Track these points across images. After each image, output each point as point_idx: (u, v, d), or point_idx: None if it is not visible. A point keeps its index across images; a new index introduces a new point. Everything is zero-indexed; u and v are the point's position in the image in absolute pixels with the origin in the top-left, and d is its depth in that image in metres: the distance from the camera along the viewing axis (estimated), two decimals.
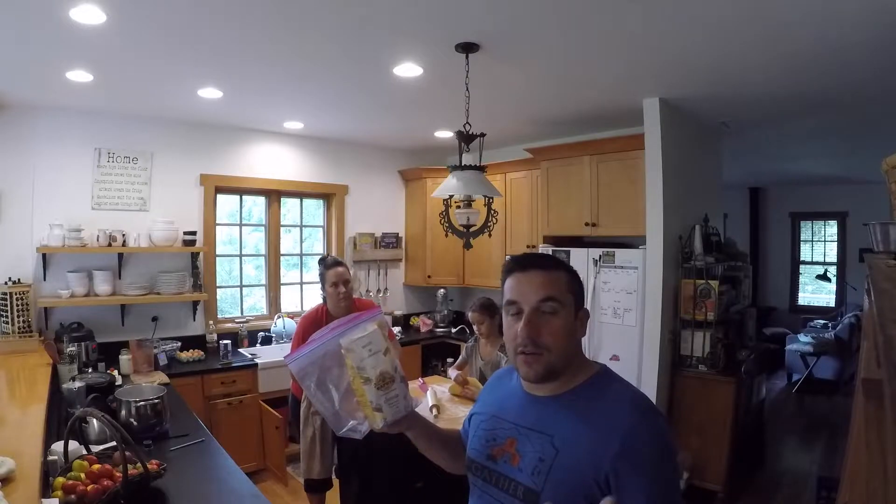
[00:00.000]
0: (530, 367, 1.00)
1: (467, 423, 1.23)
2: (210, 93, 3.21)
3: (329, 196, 4.89)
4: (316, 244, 4.96)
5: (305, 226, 4.88)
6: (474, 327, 3.06)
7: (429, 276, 5.05)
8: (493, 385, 1.23)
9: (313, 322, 2.82)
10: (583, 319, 1.05)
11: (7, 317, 3.14)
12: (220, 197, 4.29)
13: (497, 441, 1.06)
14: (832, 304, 7.60)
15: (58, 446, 1.75)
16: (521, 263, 1.05)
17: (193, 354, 3.77)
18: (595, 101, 3.42)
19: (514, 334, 1.00)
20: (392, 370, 1.05)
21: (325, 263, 2.90)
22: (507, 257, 1.16)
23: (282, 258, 4.68)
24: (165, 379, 3.26)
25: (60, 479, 1.55)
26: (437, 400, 2.88)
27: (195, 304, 4.01)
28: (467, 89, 2.61)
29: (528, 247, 4.28)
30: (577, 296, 1.04)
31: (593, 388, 1.02)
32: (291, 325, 4.41)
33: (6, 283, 3.20)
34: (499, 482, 1.03)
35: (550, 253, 3.83)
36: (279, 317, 4.43)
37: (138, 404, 2.23)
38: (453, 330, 5.03)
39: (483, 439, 1.10)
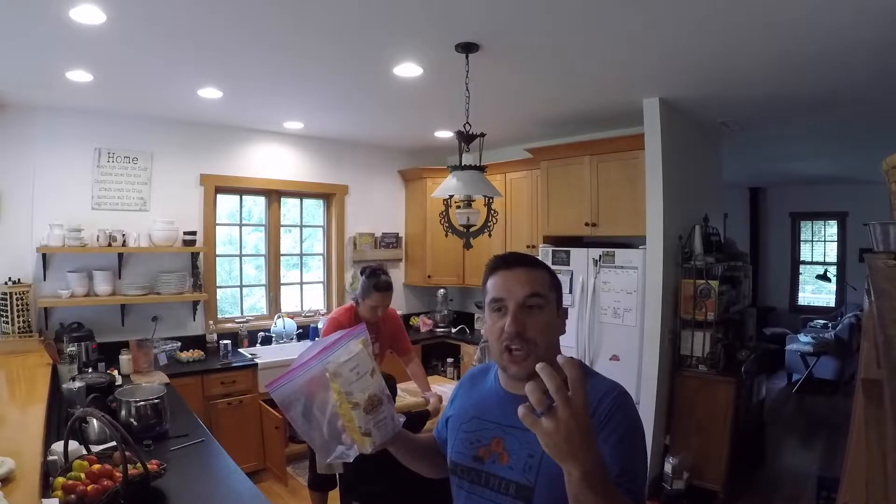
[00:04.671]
0: (519, 366, 1.00)
1: (443, 427, 1.22)
2: (210, 93, 3.21)
3: (329, 196, 4.89)
4: (316, 244, 4.96)
5: (305, 226, 4.88)
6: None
7: (429, 276, 5.05)
8: (468, 385, 1.22)
9: (347, 327, 2.72)
10: (563, 318, 1.08)
11: (7, 317, 3.14)
12: (219, 197, 4.29)
13: (482, 442, 1.06)
14: (832, 304, 7.60)
15: (58, 446, 1.75)
16: (507, 261, 1.07)
17: (193, 354, 3.77)
18: (595, 101, 3.42)
19: (500, 330, 1.01)
20: (380, 392, 1.02)
21: (378, 284, 2.72)
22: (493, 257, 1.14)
23: (282, 258, 4.68)
24: (165, 379, 3.26)
25: (60, 479, 1.55)
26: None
27: (195, 304, 4.01)
28: (467, 89, 2.60)
29: (528, 247, 4.28)
30: (558, 294, 1.07)
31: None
32: (291, 325, 4.41)
33: (6, 283, 3.20)
34: (488, 482, 1.03)
35: (550, 253, 3.84)
36: (279, 317, 4.43)
37: (138, 404, 2.23)
38: (453, 330, 5.03)
39: (466, 441, 1.09)
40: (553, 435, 0.70)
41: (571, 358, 0.73)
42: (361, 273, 2.88)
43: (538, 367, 0.72)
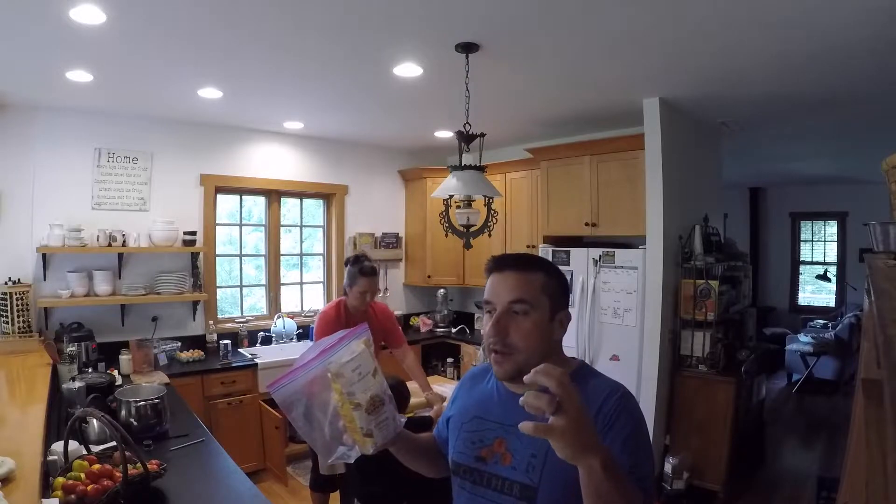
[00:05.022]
0: (500, 367, 1.03)
1: (444, 427, 1.22)
2: (210, 93, 3.21)
3: (329, 196, 4.89)
4: (316, 244, 4.96)
5: (305, 226, 4.88)
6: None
7: (429, 276, 5.06)
8: (468, 385, 1.22)
9: (335, 320, 2.81)
10: (562, 321, 1.06)
11: (7, 317, 3.14)
12: (219, 197, 4.29)
13: (484, 442, 1.06)
14: (832, 304, 7.60)
15: (58, 446, 1.75)
16: (498, 264, 1.06)
17: (193, 354, 3.77)
18: (595, 101, 3.42)
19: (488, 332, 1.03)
20: (382, 392, 1.01)
21: (363, 268, 2.80)
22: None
23: (282, 258, 4.68)
24: (165, 379, 3.26)
25: (60, 479, 1.55)
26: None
27: (195, 304, 4.01)
28: (467, 89, 2.60)
29: (528, 247, 4.28)
30: (553, 297, 1.04)
31: (573, 382, 1.02)
32: (291, 325, 4.41)
33: (6, 283, 3.20)
34: (491, 482, 1.03)
35: (550, 253, 3.83)
36: (279, 317, 4.43)
37: (138, 404, 2.23)
38: (453, 330, 5.03)
39: (468, 441, 1.09)
40: (568, 432, 0.71)
41: (541, 366, 0.75)
42: (346, 263, 2.94)
43: (527, 378, 0.74)
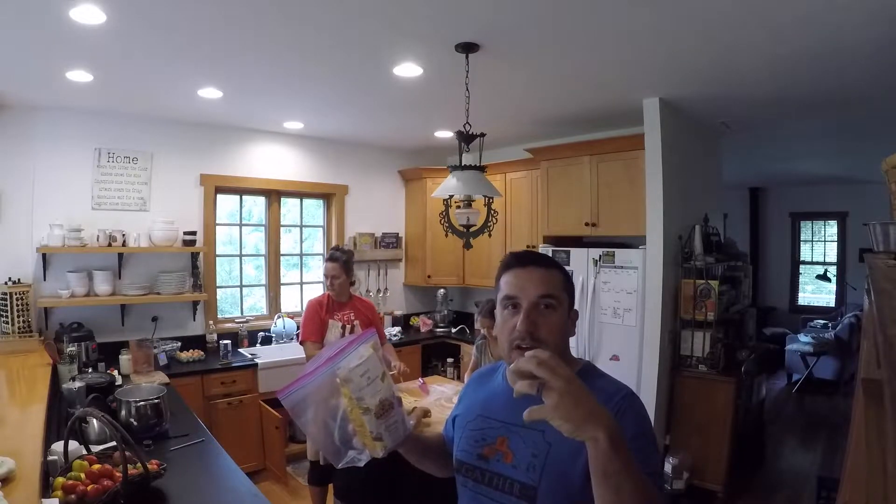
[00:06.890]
0: None
1: (450, 425, 1.22)
2: (210, 93, 3.21)
3: (329, 196, 4.89)
4: (316, 244, 4.96)
5: (305, 226, 4.88)
6: (483, 332, 3.04)
7: (429, 276, 5.05)
8: (475, 384, 1.22)
9: (317, 305, 3.06)
10: (574, 319, 1.08)
11: (7, 317, 3.14)
12: (219, 197, 4.29)
13: (487, 440, 1.06)
14: (832, 304, 7.60)
15: (58, 446, 1.75)
16: (521, 260, 1.07)
17: (193, 354, 3.77)
18: (595, 101, 3.42)
19: (511, 328, 1.01)
20: (390, 396, 1.01)
21: (327, 256, 3.14)
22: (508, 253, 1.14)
23: (282, 258, 4.68)
24: (165, 379, 3.26)
25: (60, 479, 1.55)
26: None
27: (195, 304, 4.01)
28: (467, 89, 2.60)
29: (528, 246, 4.28)
30: (570, 295, 1.07)
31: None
32: (291, 325, 4.41)
33: (6, 283, 3.20)
34: (492, 481, 1.03)
35: (550, 253, 3.83)
36: (279, 317, 4.43)
37: (138, 404, 2.23)
38: (453, 330, 5.03)
39: (472, 440, 1.09)
40: (560, 406, 0.72)
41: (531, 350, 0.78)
42: None
43: (512, 367, 0.76)
